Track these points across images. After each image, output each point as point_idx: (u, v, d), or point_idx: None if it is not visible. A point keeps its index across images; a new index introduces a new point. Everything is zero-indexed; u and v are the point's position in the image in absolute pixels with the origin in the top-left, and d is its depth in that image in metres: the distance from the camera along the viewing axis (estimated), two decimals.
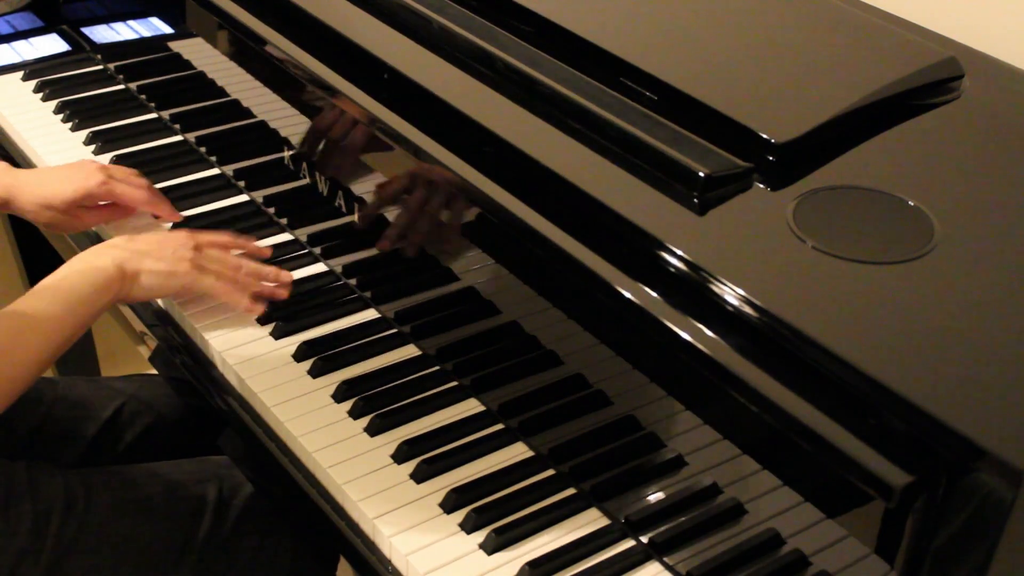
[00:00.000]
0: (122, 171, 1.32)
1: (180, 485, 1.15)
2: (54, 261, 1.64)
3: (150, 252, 1.14)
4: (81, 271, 1.10)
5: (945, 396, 0.74)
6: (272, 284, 1.21)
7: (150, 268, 1.13)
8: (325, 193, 1.26)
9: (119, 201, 1.30)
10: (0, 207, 1.30)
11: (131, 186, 1.30)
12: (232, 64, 1.38)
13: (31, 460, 1.11)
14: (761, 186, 0.94)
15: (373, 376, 1.14)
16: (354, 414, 1.09)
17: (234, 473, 1.18)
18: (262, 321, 1.20)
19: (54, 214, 1.28)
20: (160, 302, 1.25)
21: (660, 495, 0.97)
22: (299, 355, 1.16)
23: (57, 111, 1.55)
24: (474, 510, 0.99)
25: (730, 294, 0.83)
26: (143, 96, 1.58)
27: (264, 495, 1.17)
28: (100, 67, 1.65)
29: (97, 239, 1.33)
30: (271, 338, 1.18)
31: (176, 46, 1.52)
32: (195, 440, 1.32)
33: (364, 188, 1.20)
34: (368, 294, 1.23)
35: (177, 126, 1.52)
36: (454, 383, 1.13)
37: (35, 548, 1.05)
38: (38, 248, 1.75)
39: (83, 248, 1.34)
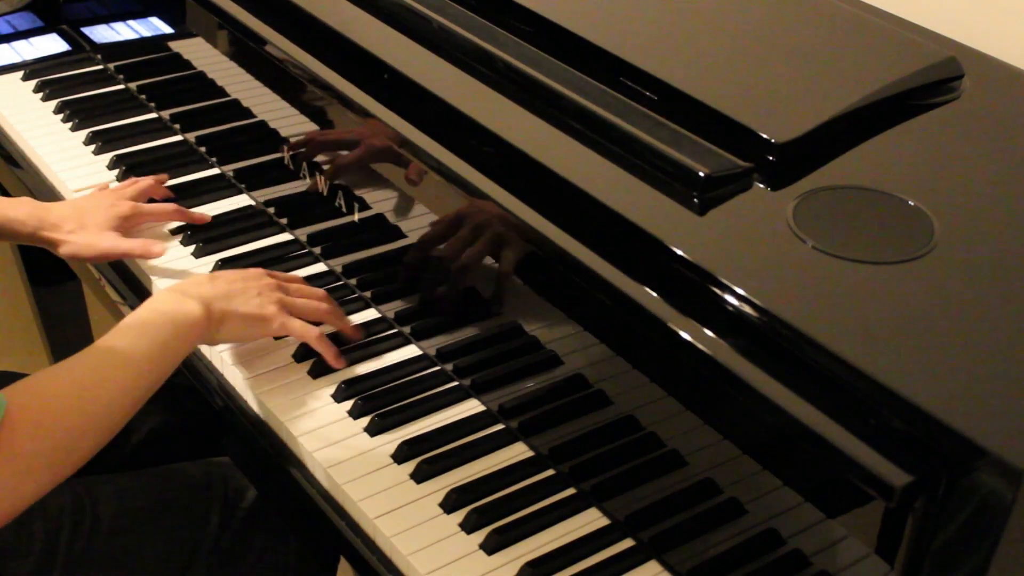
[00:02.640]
0: (132, 187, 1.32)
1: (186, 491, 1.15)
2: (54, 261, 1.65)
3: (237, 295, 1.09)
4: (167, 312, 1.03)
5: (945, 396, 0.74)
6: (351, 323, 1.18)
7: (237, 311, 1.08)
8: (325, 193, 1.26)
9: (149, 220, 1.31)
10: (31, 236, 1.26)
11: (148, 193, 1.32)
12: (232, 64, 1.38)
13: None
14: (761, 186, 0.94)
15: (373, 376, 1.14)
16: (354, 414, 1.09)
17: (238, 476, 1.18)
18: None
19: (86, 236, 1.25)
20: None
21: (660, 495, 0.97)
22: (299, 355, 1.16)
23: (57, 111, 1.55)
24: (474, 510, 0.99)
25: (730, 294, 0.83)
26: (143, 96, 1.58)
27: (266, 497, 1.17)
28: (100, 67, 1.65)
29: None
30: (271, 338, 1.18)
31: (176, 46, 1.52)
32: (199, 442, 1.32)
33: (364, 188, 1.20)
34: (368, 294, 1.24)
35: (177, 126, 1.52)
36: (454, 383, 1.13)
37: (47, 565, 1.05)
38: (38, 248, 1.75)
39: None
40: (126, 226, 1.28)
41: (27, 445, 0.86)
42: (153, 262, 1.28)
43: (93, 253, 1.25)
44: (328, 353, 1.12)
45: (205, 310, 1.04)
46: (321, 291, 1.17)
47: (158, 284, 1.25)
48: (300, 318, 1.12)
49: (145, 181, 1.34)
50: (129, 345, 0.99)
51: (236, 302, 1.08)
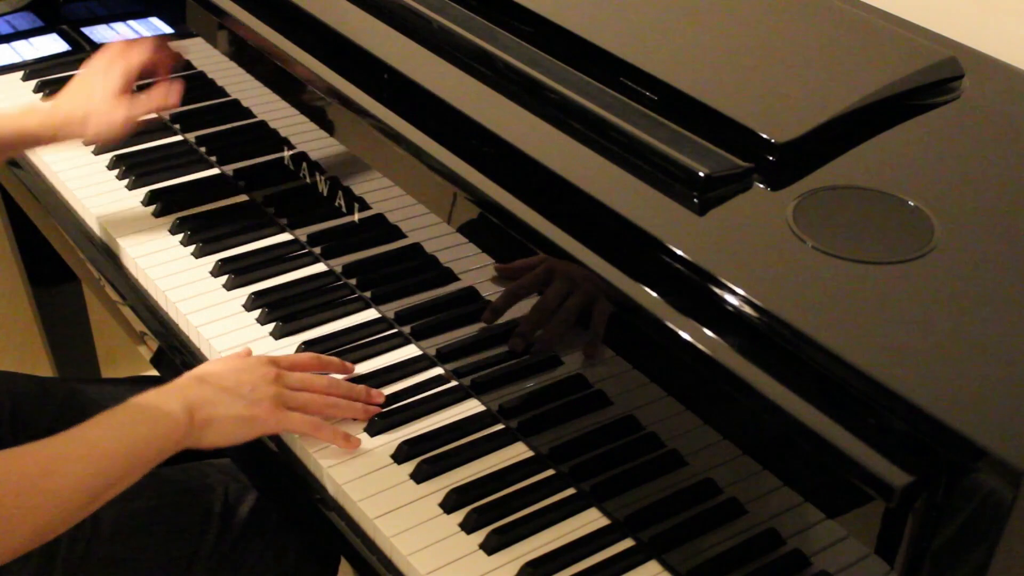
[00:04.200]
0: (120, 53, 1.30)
1: (186, 493, 1.15)
2: (54, 261, 1.65)
3: (225, 394, 1.02)
4: (146, 409, 0.98)
5: (945, 396, 0.74)
6: (363, 405, 1.10)
7: (225, 415, 1.01)
8: (325, 193, 1.26)
9: (139, 67, 1.28)
10: (51, 138, 1.27)
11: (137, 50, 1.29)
12: (232, 64, 1.38)
13: None
14: (761, 186, 0.94)
15: (373, 376, 1.14)
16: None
17: (239, 477, 1.18)
18: (262, 321, 1.20)
19: (99, 117, 1.24)
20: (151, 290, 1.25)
21: (660, 495, 0.97)
22: None
23: None
24: (474, 510, 0.99)
25: (730, 294, 0.83)
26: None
27: (267, 498, 1.17)
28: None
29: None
30: (271, 338, 1.18)
31: (176, 46, 1.52)
32: None
33: (364, 188, 1.20)
34: (368, 294, 1.24)
35: (177, 126, 1.52)
36: (454, 383, 1.13)
37: (47, 570, 1.05)
38: (38, 248, 1.75)
39: (77, 240, 1.34)
40: (126, 86, 1.26)
41: None
42: (153, 263, 1.28)
43: (114, 131, 1.26)
44: (336, 441, 1.06)
45: (187, 416, 0.99)
46: (327, 380, 1.10)
47: (158, 284, 1.25)
48: (304, 408, 1.06)
49: (139, 45, 1.31)
50: (94, 439, 0.94)
51: (224, 405, 1.01)
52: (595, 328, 0.96)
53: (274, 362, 1.08)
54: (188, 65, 1.48)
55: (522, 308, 1.03)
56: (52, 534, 0.91)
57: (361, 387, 1.11)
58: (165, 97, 1.27)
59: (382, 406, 1.10)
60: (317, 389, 1.08)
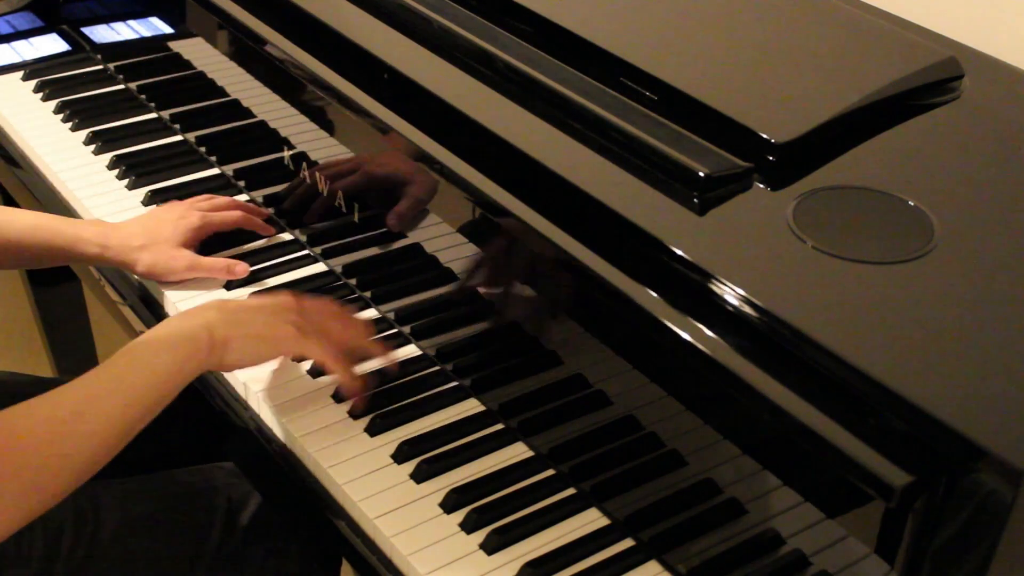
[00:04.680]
0: (207, 201, 1.29)
1: (189, 497, 1.15)
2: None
3: (247, 315, 1.03)
4: (167, 336, 0.99)
5: (945, 396, 0.74)
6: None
7: (245, 333, 1.02)
8: (325, 193, 1.26)
9: (219, 228, 1.26)
10: (99, 259, 1.24)
11: (224, 209, 1.28)
12: (232, 64, 1.38)
13: None
14: (761, 186, 0.94)
15: (374, 376, 1.13)
16: (354, 415, 1.09)
17: (242, 481, 1.18)
18: None
19: (155, 255, 1.22)
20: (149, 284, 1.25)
21: (660, 495, 0.97)
22: (298, 356, 1.16)
23: (57, 111, 1.55)
24: (474, 510, 0.99)
25: (730, 294, 0.83)
26: (143, 96, 1.58)
27: (268, 500, 1.17)
28: (100, 67, 1.65)
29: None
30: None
31: (176, 46, 1.52)
32: (201, 448, 1.32)
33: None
34: (368, 294, 1.24)
35: (177, 126, 1.52)
36: (454, 383, 1.13)
37: (48, 573, 1.05)
38: None
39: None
40: (196, 237, 1.24)
41: None
42: None
43: (170, 275, 1.22)
44: (346, 379, 1.07)
45: (208, 334, 0.99)
46: (344, 325, 1.10)
47: (158, 284, 1.25)
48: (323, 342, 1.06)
49: (224, 200, 1.29)
50: (119, 374, 0.95)
51: (245, 324, 1.02)
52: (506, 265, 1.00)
53: (298, 298, 1.08)
54: (188, 65, 1.48)
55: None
56: (94, 472, 0.92)
57: (377, 344, 1.12)
58: (229, 269, 1.22)
59: (381, 406, 1.10)
60: (334, 331, 1.08)
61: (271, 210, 1.32)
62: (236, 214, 1.28)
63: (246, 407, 1.13)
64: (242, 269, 1.22)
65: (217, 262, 1.23)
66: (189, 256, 1.22)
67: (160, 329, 1.00)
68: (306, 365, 1.14)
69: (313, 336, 1.05)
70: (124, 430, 0.93)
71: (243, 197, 1.40)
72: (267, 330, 1.03)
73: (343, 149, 1.21)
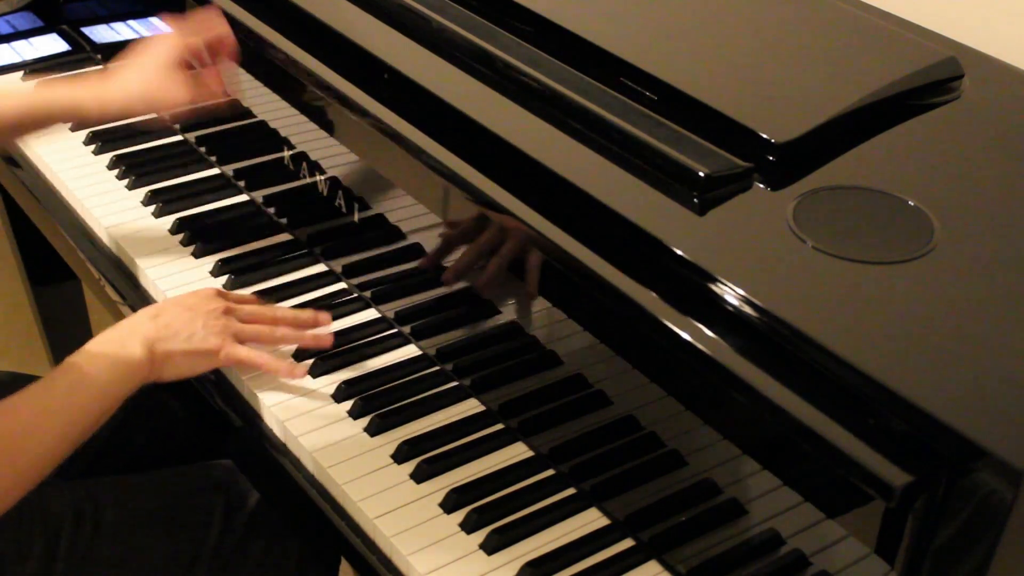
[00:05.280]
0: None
1: (188, 494, 1.15)
2: (54, 261, 1.65)
3: (180, 329, 1.06)
4: (107, 355, 1.02)
5: (945, 396, 0.74)
6: (311, 332, 1.14)
7: (181, 349, 1.05)
8: (325, 193, 1.26)
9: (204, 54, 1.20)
10: (74, 116, 1.25)
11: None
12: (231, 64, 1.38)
13: None
14: (761, 186, 0.94)
15: (373, 376, 1.14)
16: (354, 414, 1.09)
17: (240, 479, 1.18)
18: None
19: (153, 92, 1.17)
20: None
21: (660, 495, 0.97)
22: (299, 355, 1.16)
23: None
24: (474, 510, 0.99)
25: (730, 294, 0.83)
26: None
27: (268, 499, 1.17)
28: (100, 67, 1.65)
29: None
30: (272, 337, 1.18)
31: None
32: (202, 444, 1.32)
33: (364, 188, 1.20)
34: (368, 294, 1.24)
35: (177, 126, 1.52)
36: (454, 383, 1.13)
37: (47, 569, 1.05)
38: (38, 248, 1.75)
39: (77, 240, 1.34)
40: (185, 60, 1.18)
41: None
42: (153, 264, 1.28)
43: (177, 106, 1.20)
44: (280, 372, 1.11)
45: (147, 352, 1.03)
46: (276, 310, 1.15)
47: (158, 285, 1.25)
48: (255, 338, 1.11)
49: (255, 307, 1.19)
50: (64, 394, 0.98)
51: (178, 339, 1.05)
52: (506, 265, 1.02)
53: (223, 295, 1.13)
54: (188, 65, 1.48)
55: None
56: (37, 482, 0.95)
57: (308, 313, 1.15)
58: (290, 372, 1.13)
59: (381, 406, 1.09)
60: (266, 320, 1.12)
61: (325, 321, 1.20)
62: (212, 27, 1.20)
63: (245, 407, 1.13)
64: (300, 372, 1.13)
65: (210, 74, 1.19)
66: (187, 85, 1.17)
67: (100, 345, 1.03)
68: (305, 365, 1.14)
69: (243, 338, 1.09)
70: (68, 445, 0.98)
71: (243, 197, 1.40)
72: (201, 343, 1.07)
73: (343, 149, 1.21)
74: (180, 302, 1.10)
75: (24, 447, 0.94)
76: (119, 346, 1.03)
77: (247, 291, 1.24)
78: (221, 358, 1.08)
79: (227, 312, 1.10)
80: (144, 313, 1.08)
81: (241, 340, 1.10)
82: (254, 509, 1.16)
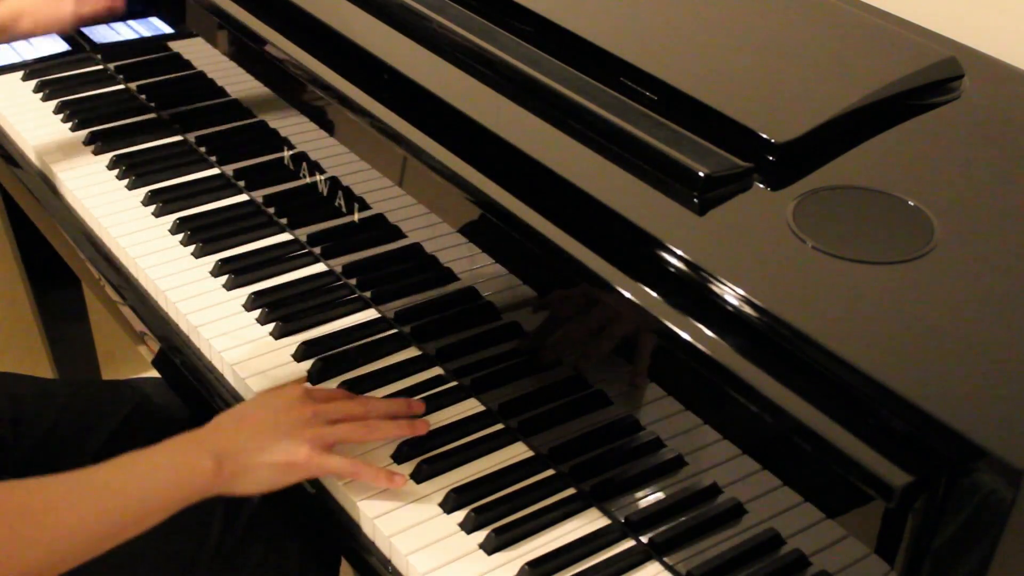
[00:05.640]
0: None
1: None
2: (54, 261, 1.65)
3: (264, 440, 0.97)
4: (171, 455, 0.95)
5: (945, 396, 0.74)
6: (406, 422, 1.06)
7: (259, 462, 0.97)
8: (325, 193, 1.26)
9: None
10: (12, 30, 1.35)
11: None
12: (232, 64, 1.38)
13: (38, 474, 1.10)
14: (761, 186, 0.94)
15: (373, 377, 1.14)
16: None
17: None
18: (262, 321, 1.20)
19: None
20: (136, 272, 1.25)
21: (660, 495, 0.97)
22: (299, 355, 1.16)
23: (57, 111, 1.55)
24: (474, 510, 0.99)
25: (730, 294, 0.83)
26: (143, 96, 1.58)
27: (268, 499, 1.17)
28: (100, 67, 1.65)
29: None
30: (271, 338, 1.18)
31: (176, 46, 1.52)
32: None
33: (364, 188, 1.20)
34: (368, 294, 1.24)
35: (177, 126, 1.52)
36: (454, 383, 1.13)
37: None
38: (38, 248, 1.75)
39: (77, 240, 1.34)
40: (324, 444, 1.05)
41: None
42: (154, 264, 1.28)
43: (63, 25, 1.37)
44: (379, 482, 1.02)
45: (216, 465, 0.95)
46: (367, 404, 1.06)
47: (158, 284, 1.25)
48: (346, 438, 1.03)
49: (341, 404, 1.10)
50: (106, 480, 0.91)
51: (258, 452, 0.97)
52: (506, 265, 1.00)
53: (310, 396, 1.03)
54: (188, 65, 1.48)
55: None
56: (59, 568, 0.87)
57: (400, 401, 1.08)
58: (391, 480, 1.04)
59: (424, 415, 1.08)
60: (356, 415, 1.04)
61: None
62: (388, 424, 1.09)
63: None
64: (400, 480, 1.04)
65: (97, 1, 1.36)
66: (72, 2, 1.35)
67: (169, 444, 0.96)
68: (305, 365, 1.14)
69: (329, 451, 1.00)
70: (93, 538, 0.90)
71: (243, 197, 1.40)
72: (284, 456, 0.98)
73: (343, 149, 1.21)
74: (266, 405, 1.02)
75: (41, 521, 0.86)
76: (185, 451, 0.96)
77: (246, 290, 1.24)
78: (313, 469, 1.00)
79: (315, 417, 1.01)
80: (224, 418, 1.01)
81: (331, 444, 1.01)
82: (254, 510, 1.16)
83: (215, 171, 1.45)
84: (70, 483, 0.90)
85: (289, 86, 1.28)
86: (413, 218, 1.14)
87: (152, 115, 1.55)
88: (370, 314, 1.22)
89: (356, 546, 1.00)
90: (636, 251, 0.91)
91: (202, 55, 1.45)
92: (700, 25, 1.12)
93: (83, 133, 1.50)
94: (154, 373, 1.35)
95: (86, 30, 1.70)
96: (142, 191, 1.40)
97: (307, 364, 1.14)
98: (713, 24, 1.12)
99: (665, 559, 0.96)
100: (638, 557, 0.97)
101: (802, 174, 0.94)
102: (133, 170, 1.43)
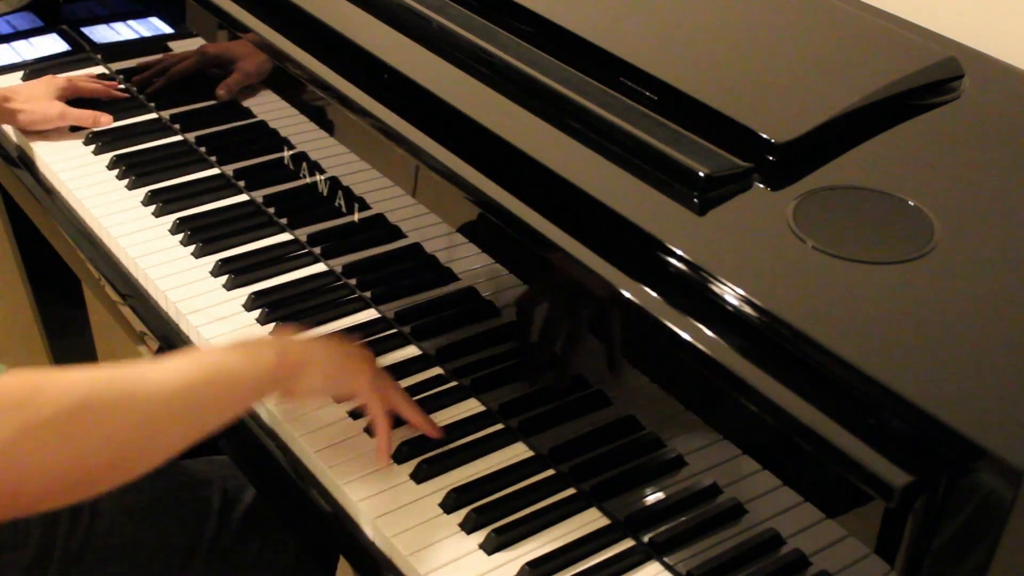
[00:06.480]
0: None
1: (185, 488, 1.15)
2: (54, 261, 1.65)
3: (323, 352, 1.01)
4: (237, 346, 0.95)
5: (945, 396, 0.74)
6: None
7: (321, 362, 1.00)
8: (325, 193, 1.26)
9: (89, 89, 1.51)
10: None
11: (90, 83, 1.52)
12: None
13: None
14: (761, 186, 0.94)
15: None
16: (354, 415, 1.09)
17: (238, 474, 1.18)
18: (262, 321, 1.20)
19: (36, 103, 1.47)
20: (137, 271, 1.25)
21: (660, 495, 0.97)
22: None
23: None
24: (474, 510, 0.99)
25: (730, 294, 0.83)
26: (143, 96, 1.58)
27: (265, 496, 1.17)
28: (100, 67, 1.65)
29: None
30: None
31: (176, 46, 1.52)
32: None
33: (364, 188, 1.20)
34: (368, 294, 1.24)
35: (177, 126, 1.52)
36: (454, 383, 1.13)
37: (44, 558, 1.05)
38: (38, 248, 1.75)
39: (77, 240, 1.35)
40: (65, 95, 1.49)
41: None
42: (153, 264, 1.28)
43: (46, 122, 1.48)
44: (384, 441, 1.04)
45: (279, 358, 0.95)
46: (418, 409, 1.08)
47: (159, 285, 1.25)
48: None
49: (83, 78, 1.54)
50: (183, 368, 0.88)
51: (320, 358, 1.00)
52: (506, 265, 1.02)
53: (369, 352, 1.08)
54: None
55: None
56: (134, 469, 0.84)
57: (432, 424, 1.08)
58: (95, 119, 1.49)
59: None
60: (395, 398, 1.06)
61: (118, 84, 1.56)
62: (97, 84, 1.54)
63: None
64: (106, 120, 1.48)
65: (84, 112, 1.49)
66: (60, 106, 1.48)
67: (235, 344, 0.95)
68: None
69: (377, 392, 1.03)
70: (182, 427, 0.87)
71: (243, 197, 1.40)
72: (342, 367, 1.01)
73: (343, 149, 1.21)
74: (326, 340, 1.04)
75: (133, 407, 0.83)
76: (250, 346, 0.96)
77: (246, 290, 1.24)
78: (361, 387, 1.03)
79: (372, 360, 1.06)
80: (280, 339, 1.03)
81: (387, 393, 1.05)
82: (251, 503, 1.16)
83: (215, 171, 1.45)
84: (147, 371, 0.86)
85: (289, 86, 1.28)
86: (413, 218, 1.14)
87: (152, 115, 1.55)
88: (370, 314, 1.22)
89: (356, 545, 1.00)
90: (636, 251, 0.91)
91: None
92: (700, 25, 1.12)
93: (82, 133, 1.50)
94: None
95: (86, 30, 1.70)
96: (142, 191, 1.40)
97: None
98: (713, 24, 1.12)
99: (665, 559, 0.96)
100: (638, 557, 0.97)
101: (802, 174, 0.94)
102: (133, 170, 1.43)
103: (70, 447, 0.77)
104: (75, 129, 1.51)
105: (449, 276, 1.11)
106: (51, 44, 1.69)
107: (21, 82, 1.60)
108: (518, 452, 1.06)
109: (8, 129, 1.53)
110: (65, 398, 0.77)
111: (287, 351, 0.96)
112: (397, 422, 1.08)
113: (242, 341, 0.96)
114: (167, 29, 1.56)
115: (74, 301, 1.96)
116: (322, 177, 1.26)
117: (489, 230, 1.04)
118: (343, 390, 1.05)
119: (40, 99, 1.47)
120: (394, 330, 1.20)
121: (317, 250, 1.30)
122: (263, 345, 0.98)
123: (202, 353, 0.94)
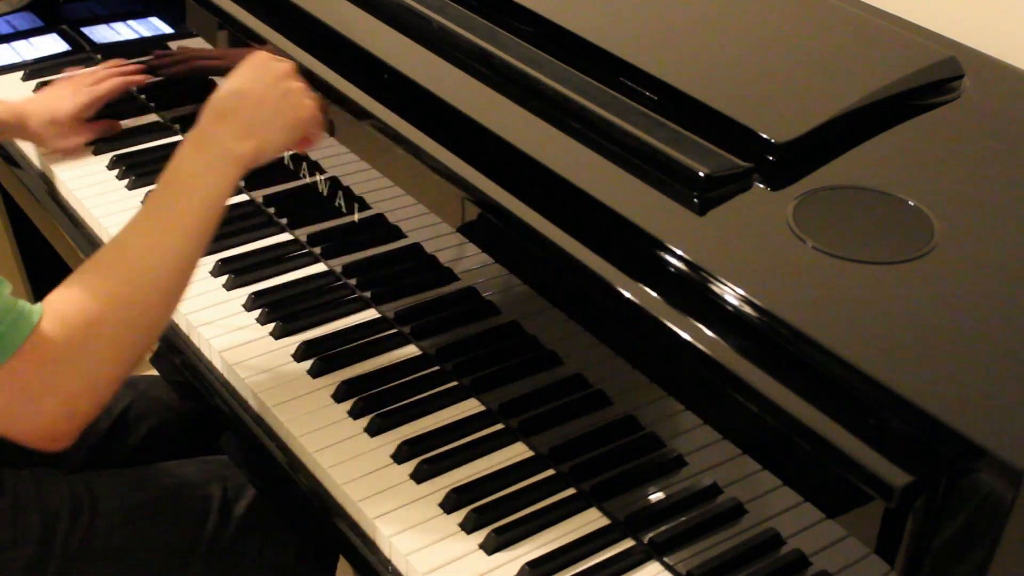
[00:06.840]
0: (89, 76, 1.47)
1: (185, 488, 1.15)
2: (54, 261, 1.65)
3: (260, 114, 1.02)
4: (199, 159, 0.99)
5: (945, 396, 0.74)
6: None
7: (267, 135, 1.03)
8: (325, 193, 1.26)
9: (109, 95, 1.45)
10: (13, 132, 1.44)
11: (107, 76, 1.46)
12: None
13: (36, 466, 1.11)
14: (761, 186, 0.94)
15: (373, 376, 1.13)
16: (354, 414, 1.09)
17: (237, 474, 1.18)
18: (262, 321, 1.20)
19: (59, 129, 1.42)
20: None
21: (660, 495, 0.97)
22: (299, 355, 1.16)
23: None
24: (474, 510, 0.99)
25: (730, 294, 0.83)
26: (143, 96, 1.58)
27: (265, 495, 1.17)
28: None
29: None
30: (271, 338, 1.18)
31: (176, 46, 1.52)
32: (199, 439, 1.32)
33: (364, 188, 1.20)
34: (368, 294, 1.24)
35: (177, 126, 1.52)
36: (454, 383, 1.13)
37: (43, 557, 1.05)
38: (38, 248, 1.75)
39: (77, 240, 1.35)
40: (89, 112, 1.44)
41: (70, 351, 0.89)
42: None
43: (75, 148, 1.46)
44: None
45: (240, 154, 1.01)
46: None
47: None
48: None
49: (101, 72, 1.47)
50: (172, 205, 0.97)
51: (264, 125, 1.03)
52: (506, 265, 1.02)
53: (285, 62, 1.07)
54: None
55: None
56: (176, 299, 0.96)
57: None
58: (112, 128, 1.49)
59: (380, 406, 1.09)
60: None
61: (138, 64, 1.51)
62: (116, 80, 1.46)
63: (245, 407, 1.13)
64: (119, 126, 1.48)
65: (102, 126, 1.47)
66: (84, 138, 1.46)
67: (192, 156, 0.99)
68: (306, 365, 1.14)
69: (320, 107, 1.08)
70: (191, 257, 0.96)
71: (243, 197, 1.40)
72: (288, 114, 1.05)
73: (343, 149, 1.21)
74: (259, 79, 1.04)
75: (151, 262, 0.94)
76: (214, 157, 0.99)
77: (246, 290, 1.24)
78: (310, 117, 1.06)
79: (293, 69, 1.07)
80: (228, 100, 1.02)
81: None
82: (251, 504, 1.16)
83: None
84: (148, 225, 0.97)
85: None
86: (413, 218, 1.14)
87: (152, 115, 1.55)
88: (370, 314, 1.22)
89: (356, 546, 1.00)
90: (636, 251, 0.91)
91: None
92: (700, 25, 1.12)
93: None
94: (153, 372, 1.36)
95: (86, 30, 1.70)
96: (142, 191, 1.40)
97: (307, 364, 1.14)
98: (713, 24, 1.12)
99: (665, 559, 0.96)
100: (638, 557, 0.97)
101: (802, 174, 0.94)
102: (133, 170, 1.43)
103: (114, 348, 0.91)
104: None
105: (449, 276, 1.11)
106: (51, 44, 1.69)
107: (21, 82, 1.60)
108: (518, 452, 1.06)
109: None
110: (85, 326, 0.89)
111: (231, 149, 1.00)
112: (397, 422, 1.08)
113: (203, 155, 0.99)
114: (167, 29, 1.56)
115: None
116: (322, 177, 1.26)
117: (489, 230, 1.04)
118: (300, 135, 1.08)
119: (62, 124, 1.42)
120: (394, 330, 1.20)
121: (317, 250, 1.30)
122: (213, 132, 1.00)
123: (179, 187, 0.99)
